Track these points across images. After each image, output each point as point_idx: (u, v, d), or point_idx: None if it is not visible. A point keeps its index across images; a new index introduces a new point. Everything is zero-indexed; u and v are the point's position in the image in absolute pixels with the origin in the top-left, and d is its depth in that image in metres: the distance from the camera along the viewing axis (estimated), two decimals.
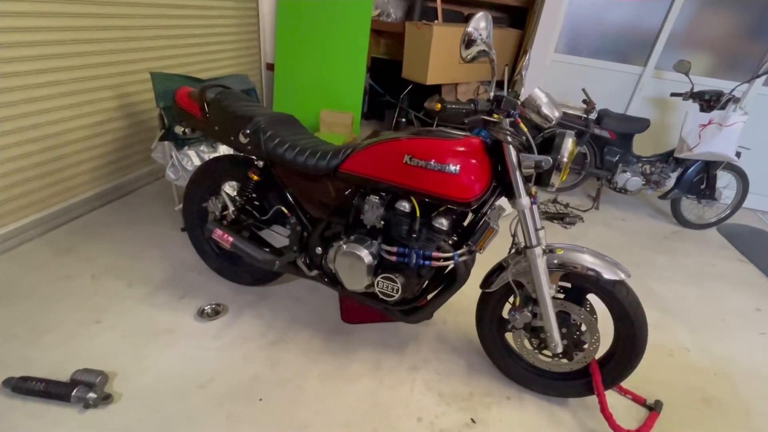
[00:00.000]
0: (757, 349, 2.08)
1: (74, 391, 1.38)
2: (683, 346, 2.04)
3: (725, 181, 3.20)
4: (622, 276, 1.35)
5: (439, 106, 1.28)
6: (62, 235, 2.26)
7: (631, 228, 3.24)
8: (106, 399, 1.42)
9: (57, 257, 2.09)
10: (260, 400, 1.51)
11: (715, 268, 2.79)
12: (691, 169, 3.11)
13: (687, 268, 2.75)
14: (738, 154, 2.90)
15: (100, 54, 2.34)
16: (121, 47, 2.46)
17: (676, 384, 1.80)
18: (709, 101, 2.98)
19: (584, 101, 3.19)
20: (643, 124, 3.20)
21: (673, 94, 3.18)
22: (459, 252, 1.44)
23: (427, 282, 1.62)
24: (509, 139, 1.30)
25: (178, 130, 1.84)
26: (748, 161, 3.48)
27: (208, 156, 2.31)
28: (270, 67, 4.00)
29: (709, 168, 3.09)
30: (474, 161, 1.33)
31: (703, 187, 3.16)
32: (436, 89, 3.82)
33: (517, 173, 1.33)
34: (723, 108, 2.92)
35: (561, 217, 3.16)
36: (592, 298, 1.49)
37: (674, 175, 3.22)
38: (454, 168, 1.32)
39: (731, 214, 3.32)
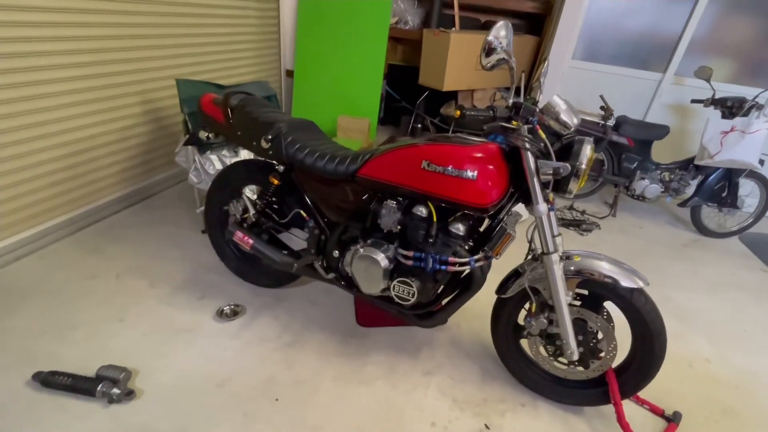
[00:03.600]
0: None
1: (99, 386, 1.43)
2: (703, 356, 2.00)
3: (748, 189, 3.13)
4: (640, 284, 1.34)
5: (458, 112, 1.30)
6: (89, 236, 2.34)
7: (649, 236, 3.19)
8: (129, 395, 1.46)
9: (84, 257, 2.16)
10: (276, 400, 1.54)
11: (736, 278, 2.73)
12: (712, 176, 3.05)
13: (707, 278, 2.69)
14: (761, 162, 2.84)
15: (126, 62, 2.43)
16: (146, 55, 2.54)
17: (696, 395, 1.77)
18: (731, 108, 2.93)
19: (602, 108, 3.17)
20: (662, 130, 3.16)
21: (693, 101, 3.13)
22: (475, 257, 1.44)
23: (442, 287, 1.62)
24: (527, 145, 1.31)
25: (202, 135, 1.89)
26: None
27: (230, 160, 2.37)
28: (289, 73, 4.07)
29: (731, 175, 3.03)
30: (491, 167, 1.34)
31: (724, 195, 3.09)
32: (452, 95, 3.84)
33: (535, 180, 1.34)
34: (746, 115, 2.87)
35: (578, 224, 3.13)
36: (609, 305, 1.48)
37: (694, 183, 3.16)
38: (471, 174, 1.33)
39: (754, 222, 3.24)
